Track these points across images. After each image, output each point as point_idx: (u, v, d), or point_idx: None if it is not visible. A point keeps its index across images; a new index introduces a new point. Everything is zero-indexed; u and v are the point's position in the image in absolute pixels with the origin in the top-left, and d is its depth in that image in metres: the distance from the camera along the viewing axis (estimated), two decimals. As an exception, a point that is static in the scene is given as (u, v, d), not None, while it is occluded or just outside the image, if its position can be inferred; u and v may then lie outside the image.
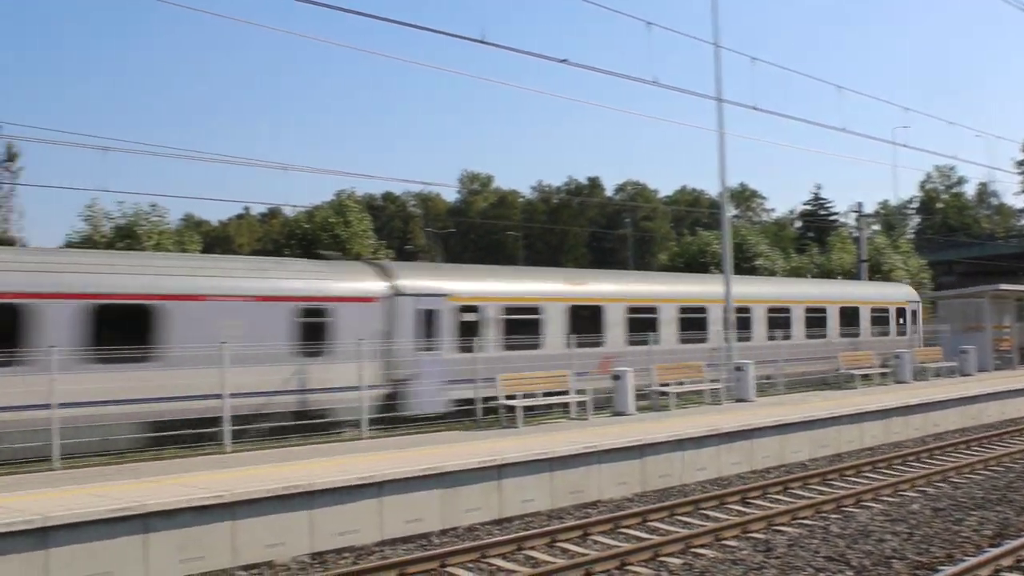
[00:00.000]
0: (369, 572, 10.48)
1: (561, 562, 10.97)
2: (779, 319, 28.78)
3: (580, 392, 20.21)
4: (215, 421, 15.84)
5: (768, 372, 26.11)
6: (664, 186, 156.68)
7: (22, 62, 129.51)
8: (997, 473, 17.16)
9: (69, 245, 37.81)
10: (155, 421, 15.99)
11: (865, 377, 28.36)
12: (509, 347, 21.39)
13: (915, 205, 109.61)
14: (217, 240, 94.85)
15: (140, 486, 11.70)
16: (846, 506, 14.26)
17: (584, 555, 11.39)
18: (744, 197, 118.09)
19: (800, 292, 31.06)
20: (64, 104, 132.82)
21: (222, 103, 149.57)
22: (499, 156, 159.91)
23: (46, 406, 13.91)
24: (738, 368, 23.86)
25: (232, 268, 18.76)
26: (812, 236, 73.31)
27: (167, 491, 11.23)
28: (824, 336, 30.27)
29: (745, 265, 44.26)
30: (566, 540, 12.23)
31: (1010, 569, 10.50)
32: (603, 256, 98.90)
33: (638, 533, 12.69)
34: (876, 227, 71.97)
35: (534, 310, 22.36)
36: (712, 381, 23.20)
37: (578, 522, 12.85)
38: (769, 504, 14.61)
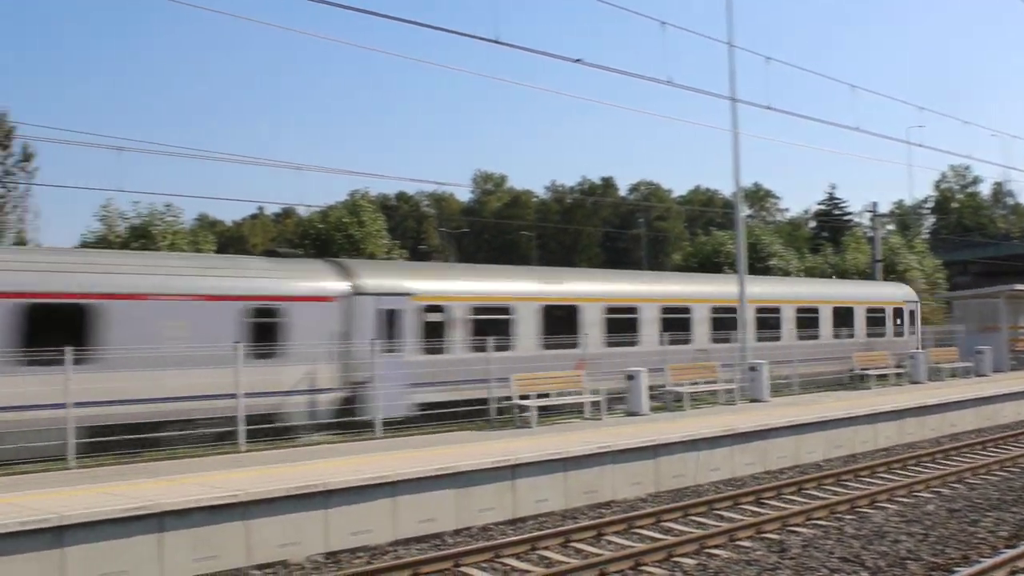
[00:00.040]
0: (383, 572, 10.50)
1: (575, 562, 10.98)
2: (769, 319, 28.20)
3: (594, 392, 20.14)
4: (157, 426, 15.81)
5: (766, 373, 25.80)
6: (678, 186, 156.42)
7: (22, 62, 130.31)
8: (1013, 474, 17.07)
9: (84, 245, 38.00)
10: (90, 427, 15.04)
11: (880, 377, 28.25)
12: (476, 349, 20.41)
13: (930, 205, 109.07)
14: (231, 240, 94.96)
15: (155, 485, 11.76)
16: (861, 507, 14.20)
17: (598, 555, 11.39)
18: (758, 197, 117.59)
19: (790, 292, 30.33)
20: (64, 104, 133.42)
21: (222, 103, 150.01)
22: (513, 156, 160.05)
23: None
24: (752, 368, 23.83)
25: (177, 266, 18.08)
26: (826, 236, 72.99)
27: (182, 490, 11.29)
28: (817, 337, 29.48)
29: (759, 265, 44.06)
30: (580, 540, 12.22)
31: (1027, 571, 10.44)
32: (617, 256, 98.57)
33: (652, 533, 12.68)
34: (891, 227, 71.51)
35: (504, 310, 21.71)
36: (726, 381, 23.16)
37: (592, 522, 12.85)
38: (783, 505, 14.57)
